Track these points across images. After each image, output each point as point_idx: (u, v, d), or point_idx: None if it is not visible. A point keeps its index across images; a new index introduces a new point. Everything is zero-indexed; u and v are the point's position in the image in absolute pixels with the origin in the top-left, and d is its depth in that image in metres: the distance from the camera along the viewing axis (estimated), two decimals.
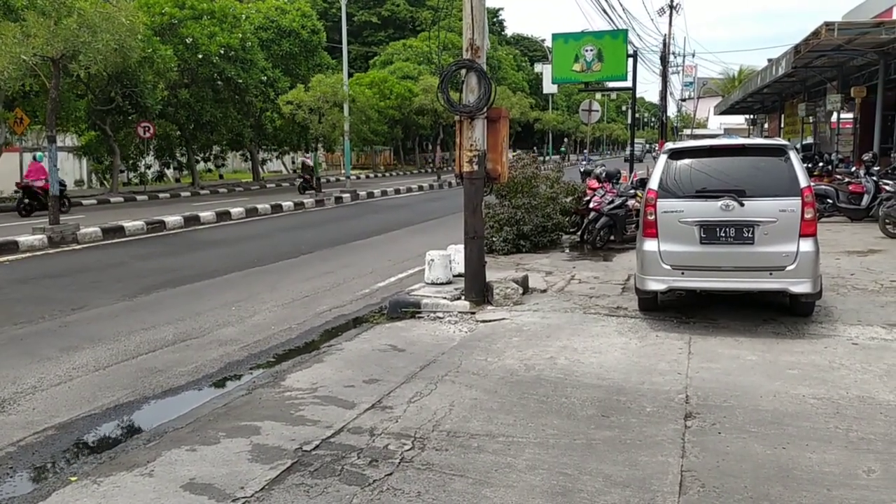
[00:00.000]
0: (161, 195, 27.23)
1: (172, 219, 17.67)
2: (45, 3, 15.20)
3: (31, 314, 8.63)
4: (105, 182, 30.52)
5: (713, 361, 6.34)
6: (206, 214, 18.97)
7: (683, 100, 68.72)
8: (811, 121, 31.49)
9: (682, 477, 4.18)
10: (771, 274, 7.15)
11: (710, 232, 7.24)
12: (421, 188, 32.83)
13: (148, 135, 26.81)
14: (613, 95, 69.73)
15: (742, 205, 7.14)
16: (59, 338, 7.68)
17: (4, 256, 12.83)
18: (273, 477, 4.19)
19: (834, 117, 26.56)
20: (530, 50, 79.69)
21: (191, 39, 27.43)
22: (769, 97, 35.84)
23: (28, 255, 13.22)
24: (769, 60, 25.96)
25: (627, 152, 60.93)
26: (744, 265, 7.21)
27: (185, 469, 4.33)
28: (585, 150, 56.14)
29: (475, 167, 8.48)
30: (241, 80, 29.43)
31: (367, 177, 43.85)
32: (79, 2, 14.79)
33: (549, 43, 30.12)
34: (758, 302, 8.31)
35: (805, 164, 8.29)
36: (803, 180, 7.19)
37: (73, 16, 14.42)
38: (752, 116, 49.06)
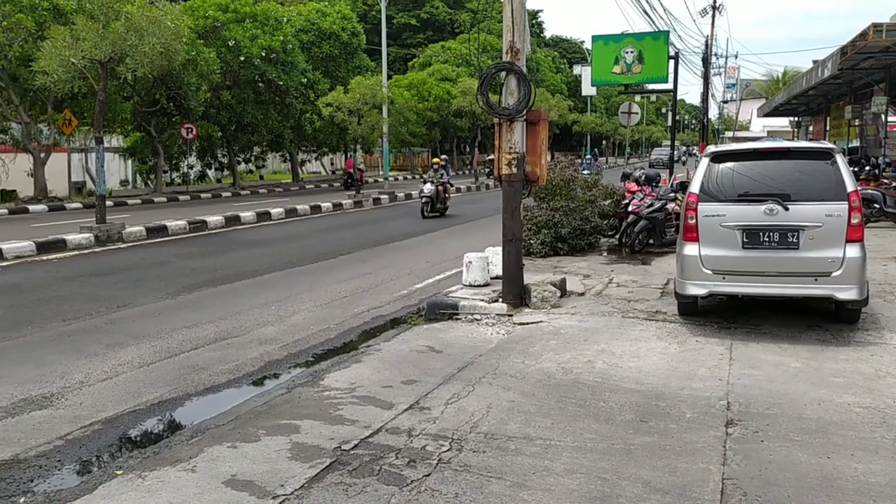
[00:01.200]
0: (203, 195, 27.69)
1: (214, 219, 17.95)
2: (94, 7, 15.54)
3: (79, 311, 8.84)
4: (149, 182, 31.14)
5: (755, 368, 6.25)
6: (246, 215, 19.24)
7: (725, 102, 67.63)
8: (857, 124, 30.81)
9: (723, 485, 4.13)
10: (816, 280, 7.02)
11: (754, 236, 7.14)
12: (458, 190, 32.81)
13: (191, 136, 27.31)
14: (653, 98, 69.06)
15: (787, 209, 7.02)
16: (105, 334, 7.86)
17: (53, 255, 13.17)
18: (312, 475, 4.24)
19: (881, 120, 25.96)
20: (569, 52, 79.23)
21: (233, 42, 27.86)
22: (814, 99, 35.11)
23: (76, 253, 13.55)
24: (814, 62, 25.47)
25: (653, 157, 59.93)
26: (788, 270, 7.09)
27: (227, 465, 4.40)
28: (588, 155, 55.12)
29: (514, 170, 8.48)
30: (281, 82, 29.79)
31: (405, 178, 44.03)
32: (126, 6, 15.11)
33: (588, 45, 29.93)
34: (801, 308, 8.17)
35: (851, 168, 8.11)
36: (850, 184, 7.05)
37: (121, 20, 14.75)
38: (796, 119, 48.15)
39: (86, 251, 13.79)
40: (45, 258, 12.79)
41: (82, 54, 14.64)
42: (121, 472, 4.38)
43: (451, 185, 22.41)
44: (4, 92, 22.11)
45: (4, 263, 12.16)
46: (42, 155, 23.05)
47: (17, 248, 12.82)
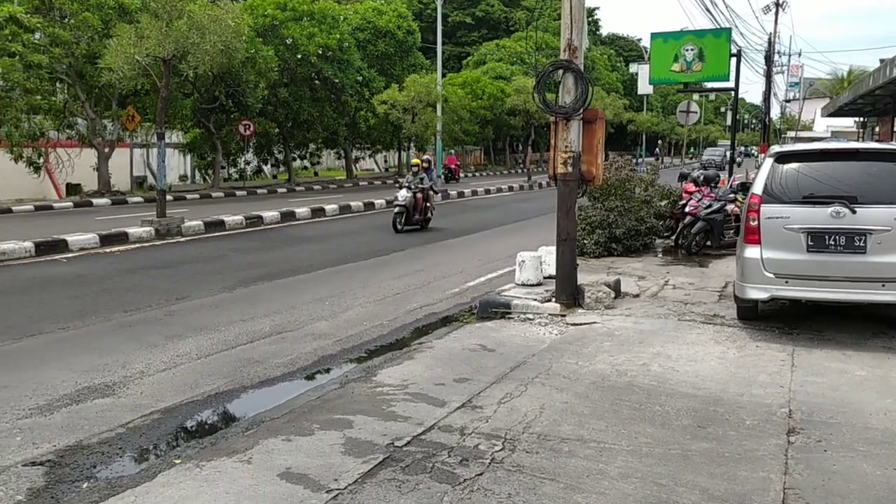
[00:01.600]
0: (259, 191, 28.15)
1: (269, 214, 18.24)
2: (158, 6, 15.93)
3: (139, 302, 9.07)
4: (207, 178, 31.81)
5: (818, 375, 6.06)
6: (301, 211, 19.49)
7: (788, 101, 65.84)
8: None
9: (784, 494, 4.01)
10: (884, 286, 6.78)
11: (819, 240, 6.92)
12: (511, 189, 32.75)
13: (248, 132, 27.78)
14: (712, 96, 67.61)
15: (854, 212, 6.79)
16: (164, 326, 8.04)
17: (115, 247, 13.54)
18: (366, 471, 4.25)
19: None
20: (625, 50, 78.24)
21: (291, 40, 28.26)
22: (881, 99, 33.84)
23: (137, 245, 13.91)
24: (881, 61, 24.61)
25: (705, 158, 58.00)
26: (854, 275, 6.86)
27: (282, 458, 4.45)
28: (640, 157, 52.90)
29: (569, 168, 8.39)
30: (337, 80, 30.10)
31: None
32: (189, 4, 15.44)
33: (645, 43, 29.48)
34: (867, 314, 7.91)
35: None
36: None
37: (184, 18, 15.08)
38: (862, 119, 46.57)
39: (146, 244, 14.15)
40: (107, 250, 13.16)
41: (146, 52, 15.01)
42: (179, 461, 4.47)
43: (436, 192, 19.54)
44: (71, 88, 22.83)
45: (70, 255, 12.56)
46: (106, 150, 23.73)
47: (82, 241, 13.23)
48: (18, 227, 14.78)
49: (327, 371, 6.68)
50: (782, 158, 7.45)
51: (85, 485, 4.32)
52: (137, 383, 6.17)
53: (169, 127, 27.34)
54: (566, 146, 8.35)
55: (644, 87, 38.13)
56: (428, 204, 17.05)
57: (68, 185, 24.11)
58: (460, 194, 28.63)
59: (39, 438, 4.97)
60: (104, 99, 23.55)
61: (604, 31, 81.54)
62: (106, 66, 16.20)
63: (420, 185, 16.80)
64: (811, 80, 67.58)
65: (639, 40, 79.12)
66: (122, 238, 14.12)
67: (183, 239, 14.98)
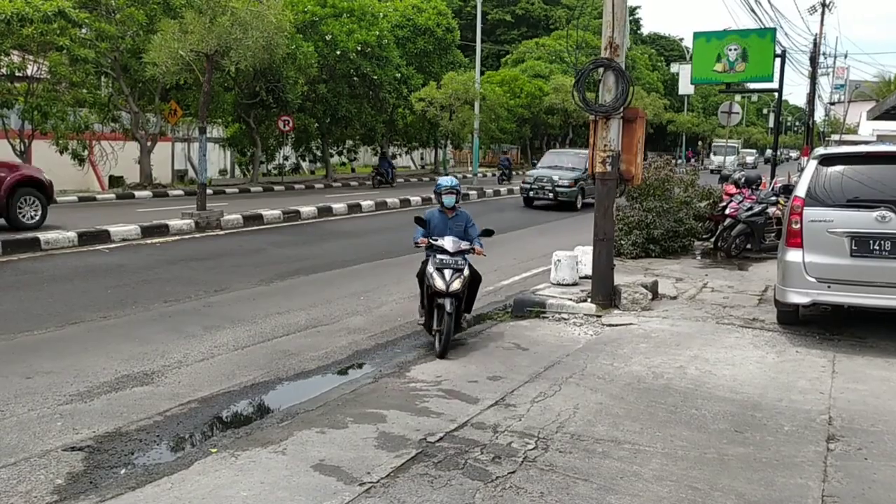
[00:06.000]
0: (296, 186, 28.39)
1: (307, 209, 18.39)
2: (202, 2, 16.15)
3: (179, 293, 9.21)
4: (246, 172, 32.17)
5: (860, 382, 5.93)
6: (338, 206, 19.61)
7: (832, 104, 64.45)
8: None
9: (823, 501, 3.94)
10: None
11: (863, 244, 6.77)
12: None
13: (287, 128, 28.03)
14: (754, 97, 66.40)
15: None
16: (202, 317, 8.16)
17: (156, 238, 13.76)
18: (398, 465, 4.27)
19: None
20: (666, 49, 77.28)
21: (330, 36, 28.43)
22: None
23: (177, 237, 14.12)
24: None
25: (715, 160, 51.03)
26: None
27: (316, 450, 4.49)
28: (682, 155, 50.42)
29: (608, 168, 8.32)
30: (376, 77, 30.21)
31: (494, 174, 43.93)
32: (232, 1, 15.62)
33: (686, 42, 29.13)
34: None
35: None
36: None
37: (227, 14, 15.25)
38: None
39: (186, 236, 14.35)
40: (148, 242, 13.39)
41: (190, 47, 15.23)
42: (215, 450, 4.53)
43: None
44: (116, 82, 23.25)
45: (112, 245, 12.79)
46: (148, 143, 24.12)
47: (124, 232, 13.47)
48: (62, 217, 15.10)
49: (361, 365, 6.72)
50: (826, 161, 7.31)
51: (123, 471, 4.41)
52: (175, 372, 6.27)
53: (210, 121, 27.68)
54: (605, 145, 8.28)
55: (685, 87, 37.64)
56: None
57: (111, 178, 24.56)
58: (496, 193, 28.56)
59: (79, 424, 5.07)
60: (147, 93, 23.94)
61: (644, 31, 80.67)
62: (150, 61, 16.47)
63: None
64: (857, 82, 66.03)
65: (680, 40, 78.16)
66: (163, 230, 14.34)
67: (222, 232, 15.18)
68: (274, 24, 15.89)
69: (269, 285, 9.98)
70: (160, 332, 7.48)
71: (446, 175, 8.80)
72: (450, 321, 6.66)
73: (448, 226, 7.19)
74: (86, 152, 22.91)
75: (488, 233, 7.35)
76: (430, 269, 6.81)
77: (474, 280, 7.11)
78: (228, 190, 25.21)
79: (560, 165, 22.70)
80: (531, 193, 22.23)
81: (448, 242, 6.92)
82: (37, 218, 13.81)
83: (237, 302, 8.93)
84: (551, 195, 21.80)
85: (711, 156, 55.64)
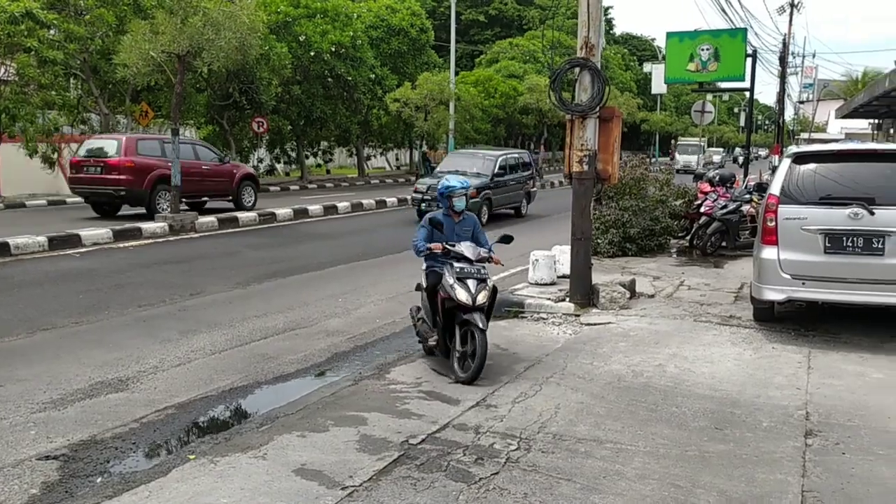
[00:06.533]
0: (271, 188, 28.16)
1: (282, 211, 18.26)
2: (173, 3, 15.95)
3: (153, 297, 9.09)
4: None
5: (835, 378, 6.01)
6: (314, 208, 19.49)
7: (801, 102, 65.38)
8: None
9: (802, 497, 3.97)
10: None
11: (836, 241, 6.86)
12: None
13: (262, 130, 27.81)
14: (725, 97, 67.13)
15: (872, 213, 6.73)
16: (178, 321, 8.05)
17: (129, 242, 13.58)
18: (380, 468, 4.24)
19: None
20: (639, 49, 77.91)
21: (304, 37, 28.26)
22: None
23: (150, 241, 13.94)
24: None
25: (680, 160, 47.10)
26: (872, 278, 6.80)
27: (297, 454, 4.44)
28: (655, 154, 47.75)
29: (585, 167, 8.35)
30: (350, 78, 30.09)
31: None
32: (204, 1, 15.45)
33: (658, 42, 29.37)
34: (884, 317, 7.83)
35: None
36: None
37: (199, 14, 15.08)
38: (877, 121, 46.18)
39: (160, 239, 14.18)
40: (121, 245, 13.21)
41: (161, 48, 15.04)
42: (193, 456, 4.46)
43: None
44: (85, 84, 22.90)
45: (83, 249, 12.59)
46: None
47: (95, 235, 13.27)
48: (32, 222, 14.85)
49: (341, 368, 6.67)
50: (800, 159, 7.39)
51: (99, 479, 4.33)
52: (151, 378, 6.18)
53: (183, 123, 27.40)
54: (582, 144, 8.31)
55: (658, 87, 37.97)
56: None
57: None
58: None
59: (53, 432, 4.98)
60: (118, 95, 23.61)
61: (617, 31, 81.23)
62: (120, 62, 16.24)
63: None
64: (825, 81, 67.03)
65: (652, 40, 78.82)
66: (136, 233, 14.15)
67: (196, 235, 15.01)
68: (247, 24, 15.75)
69: (245, 288, 9.88)
70: (135, 337, 7.37)
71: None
72: (484, 340, 5.83)
73: (455, 231, 6.39)
74: (55, 155, 22.54)
75: (508, 239, 6.62)
76: (450, 279, 5.97)
77: (494, 291, 6.28)
78: None
79: (462, 170, 17.56)
80: (423, 206, 17.13)
81: (468, 249, 6.16)
82: (252, 202, 19.42)
83: (213, 305, 8.83)
84: None
85: (676, 155, 52.00)
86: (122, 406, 5.53)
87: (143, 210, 16.59)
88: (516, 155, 20.64)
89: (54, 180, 23.18)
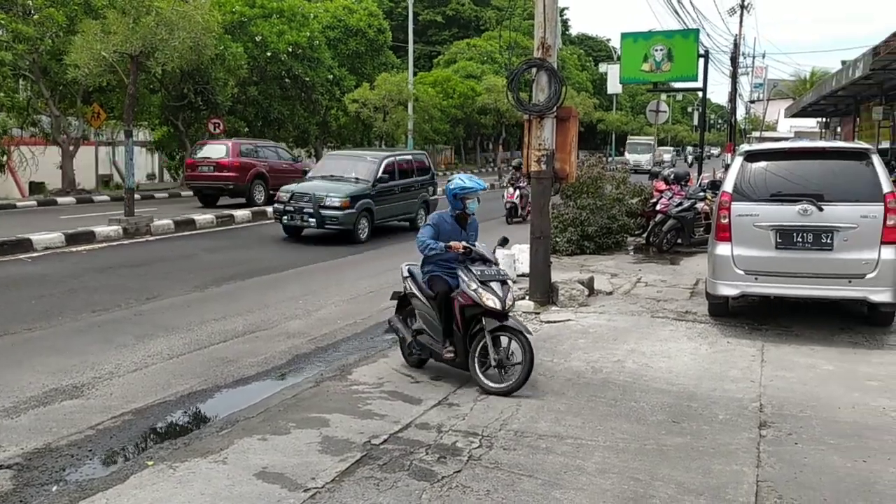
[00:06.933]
0: None
1: (241, 213, 18.06)
2: (125, 2, 15.66)
3: (108, 302, 8.92)
4: (175, 176, 31.36)
5: (787, 370, 6.16)
6: (271, 209, 19.30)
7: (752, 102, 66.81)
8: (890, 124, 30.32)
9: (758, 487, 4.07)
10: (850, 282, 6.92)
11: (787, 237, 7.04)
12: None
13: (218, 131, 27.41)
14: (679, 96, 68.19)
15: (821, 209, 6.92)
16: (134, 325, 7.92)
17: (82, 246, 13.29)
18: (343, 469, 4.23)
19: None
20: (594, 50, 78.75)
21: (260, 37, 27.98)
22: (843, 100, 34.49)
23: (104, 244, 13.67)
24: (843, 63, 25.10)
25: (630, 159, 43.93)
26: (821, 272, 6.98)
27: (258, 458, 4.41)
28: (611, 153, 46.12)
29: (543, 166, 8.43)
30: (308, 78, 29.89)
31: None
32: (157, 0, 15.21)
33: (613, 42, 29.77)
34: (833, 310, 8.05)
35: None
36: (886, 185, 6.93)
37: (152, 14, 14.84)
38: (824, 120, 47.43)
39: (114, 243, 13.91)
40: (74, 249, 12.92)
41: (113, 48, 14.76)
42: (152, 462, 4.40)
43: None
44: (35, 85, 22.36)
45: (34, 254, 12.30)
46: (71, 148, 23.28)
47: (47, 239, 12.96)
48: None
49: (302, 370, 6.63)
50: (751, 157, 7.56)
51: (54, 488, 4.24)
52: (107, 384, 6.07)
53: (136, 124, 26.90)
54: (540, 144, 8.39)
55: (614, 87, 38.40)
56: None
57: (32, 184, 23.60)
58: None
59: (6, 441, 4.86)
60: (69, 96, 23.09)
61: (573, 31, 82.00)
62: (71, 63, 15.87)
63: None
64: (775, 81, 68.61)
65: (607, 40, 79.71)
66: (89, 237, 13.86)
67: (152, 238, 14.76)
68: (201, 24, 15.55)
69: (203, 291, 9.76)
70: (89, 342, 7.23)
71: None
72: (531, 346, 5.53)
73: (462, 235, 6.06)
74: (4, 158, 21.97)
75: (505, 242, 6.41)
76: (472, 283, 5.59)
77: None
78: (158, 195, 24.55)
79: (338, 175, 15.28)
80: (286, 219, 14.66)
81: (485, 250, 5.86)
82: None
83: (171, 309, 8.70)
84: (313, 220, 14.20)
85: (626, 154, 50.34)
86: (77, 413, 5.43)
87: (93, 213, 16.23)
88: (409, 157, 17.44)
89: (3, 184, 22.61)
